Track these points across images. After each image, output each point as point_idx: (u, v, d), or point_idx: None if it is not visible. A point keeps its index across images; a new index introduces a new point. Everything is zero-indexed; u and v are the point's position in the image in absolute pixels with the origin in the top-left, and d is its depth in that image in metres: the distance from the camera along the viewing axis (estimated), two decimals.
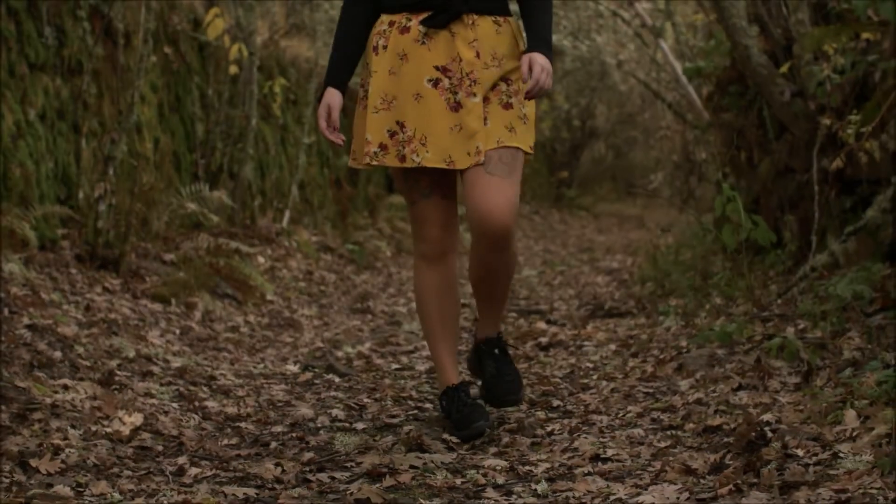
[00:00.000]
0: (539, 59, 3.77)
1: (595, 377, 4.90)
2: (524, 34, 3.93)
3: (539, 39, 3.83)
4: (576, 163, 20.09)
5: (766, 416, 3.70)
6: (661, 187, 16.14)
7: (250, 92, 8.70)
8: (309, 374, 5.20)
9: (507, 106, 3.83)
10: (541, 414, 4.25)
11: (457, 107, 3.78)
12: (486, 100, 3.82)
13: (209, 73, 8.53)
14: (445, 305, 4.01)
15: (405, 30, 3.83)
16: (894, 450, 2.93)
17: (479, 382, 4.22)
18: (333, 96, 3.91)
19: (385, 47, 3.86)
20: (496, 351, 4.08)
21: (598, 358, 5.37)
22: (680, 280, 7.00)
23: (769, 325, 4.98)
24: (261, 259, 8.16)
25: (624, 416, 4.10)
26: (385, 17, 3.88)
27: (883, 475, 2.98)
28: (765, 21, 6.44)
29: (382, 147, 3.86)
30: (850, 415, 3.50)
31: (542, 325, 6.49)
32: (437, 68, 3.80)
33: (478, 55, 3.80)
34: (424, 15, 3.82)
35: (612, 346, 5.61)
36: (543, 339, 5.97)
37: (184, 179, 8.01)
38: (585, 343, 5.82)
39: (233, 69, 8.35)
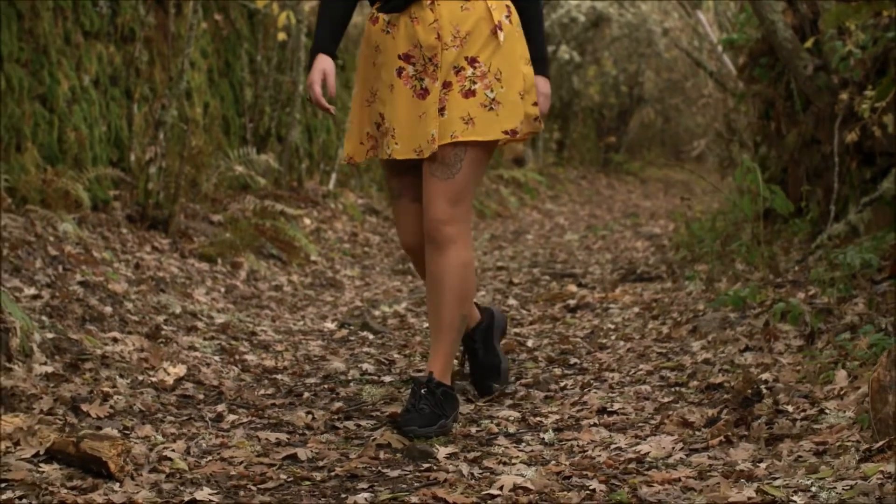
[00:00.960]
0: (544, 90, 3.82)
1: (614, 337, 5.14)
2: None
3: (540, 62, 3.80)
4: (624, 128, 20.16)
5: (765, 375, 3.94)
6: (706, 153, 16.24)
7: (298, 58, 8.95)
8: (345, 331, 5.47)
9: (469, 93, 3.64)
10: (557, 370, 4.50)
11: (423, 94, 3.65)
12: (448, 84, 3.65)
13: (258, 40, 8.78)
14: None
15: (375, 20, 3.75)
16: (871, 406, 3.16)
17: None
18: (326, 61, 3.71)
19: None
20: (423, 390, 3.65)
21: (621, 320, 5.58)
22: (709, 246, 7.18)
23: (781, 290, 5.19)
24: (307, 221, 8.39)
25: (635, 373, 4.34)
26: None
27: (862, 430, 3.22)
28: None
29: (372, 139, 3.80)
30: (841, 375, 3.74)
31: (572, 287, 6.69)
32: (400, 57, 3.68)
33: (438, 37, 3.64)
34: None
35: (636, 309, 5.81)
36: (572, 302, 6.18)
37: (232, 143, 8.28)
38: (611, 306, 6.02)
39: (281, 36, 8.60)
